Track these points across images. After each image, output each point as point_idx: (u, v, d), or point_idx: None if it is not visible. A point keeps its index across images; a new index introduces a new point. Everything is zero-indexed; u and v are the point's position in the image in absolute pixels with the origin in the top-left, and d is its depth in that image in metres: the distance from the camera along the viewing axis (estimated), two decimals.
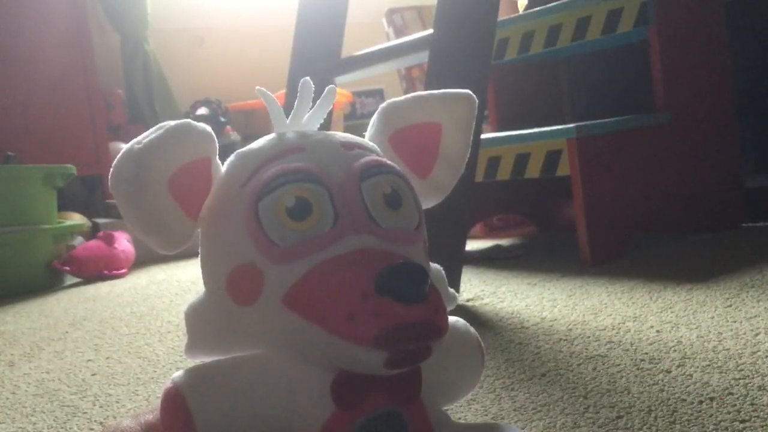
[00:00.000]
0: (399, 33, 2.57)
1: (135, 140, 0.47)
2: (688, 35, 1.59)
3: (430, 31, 1.22)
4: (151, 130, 0.48)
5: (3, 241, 1.88)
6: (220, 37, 3.18)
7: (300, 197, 0.47)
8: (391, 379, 0.46)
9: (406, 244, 0.49)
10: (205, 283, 0.51)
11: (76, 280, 2.00)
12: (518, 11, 2.05)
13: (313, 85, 0.55)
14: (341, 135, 0.53)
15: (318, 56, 1.53)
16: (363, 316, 0.43)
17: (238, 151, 0.52)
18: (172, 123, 0.48)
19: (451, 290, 0.57)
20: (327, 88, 0.55)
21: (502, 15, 1.68)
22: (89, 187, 2.54)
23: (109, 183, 0.47)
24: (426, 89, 0.76)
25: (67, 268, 1.96)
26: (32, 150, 2.31)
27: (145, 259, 2.20)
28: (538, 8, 1.74)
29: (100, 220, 2.32)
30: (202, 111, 2.84)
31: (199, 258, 0.52)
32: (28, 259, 1.93)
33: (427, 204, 0.58)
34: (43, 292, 1.89)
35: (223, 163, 0.52)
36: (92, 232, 2.24)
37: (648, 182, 1.53)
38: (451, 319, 0.56)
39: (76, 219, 2.23)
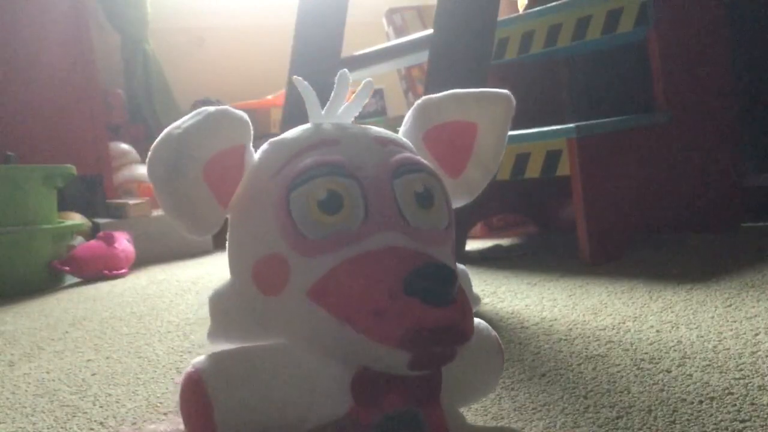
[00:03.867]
0: (399, 33, 2.57)
1: (174, 125, 0.48)
2: (688, 35, 1.59)
3: (430, 31, 1.22)
4: (190, 114, 0.48)
5: (3, 241, 1.88)
6: (220, 37, 3.18)
7: (332, 190, 0.46)
8: (410, 379, 0.46)
9: (435, 244, 0.49)
10: (231, 271, 0.51)
11: (76, 280, 2.00)
12: (518, 11, 2.05)
13: (350, 78, 0.54)
14: (376, 129, 0.53)
15: (318, 56, 1.53)
16: (389, 316, 0.42)
17: (272, 139, 0.52)
18: (212, 109, 0.48)
19: (475, 292, 0.57)
20: (364, 82, 0.55)
21: (502, 15, 1.68)
22: (89, 187, 2.54)
23: (147, 166, 0.47)
24: (426, 89, 0.76)
25: (67, 268, 1.96)
26: (32, 150, 2.31)
27: (145, 259, 2.20)
28: (538, 8, 1.74)
29: (100, 220, 2.32)
30: None
31: (226, 245, 0.52)
32: (28, 259, 1.93)
33: (456, 203, 0.57)
34: (43, 292, 1.89)
35: (256, 150, 0.52)
36: (92, 232, 2.24)
37: (648, 182, 1.53)
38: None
39: (76, 219, 2.23)
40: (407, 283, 0.43)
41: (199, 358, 0.47)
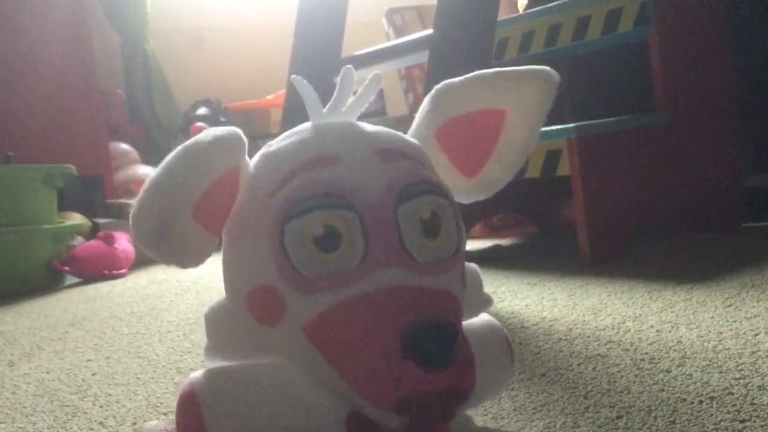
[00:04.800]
0: (399, 33, 2.57)
1: (155, 173, 0.44)
2: (688, 35, 1.59)
3: (430, 31, 1.22)
4: (171, 155, 0.45)
5: (3, 241, 1.88)
6: (220, 37, 3.18)
7: (329, 226, 0.43)
8: None
9: (441, 275, 0.45)
10: (226, 290, 0.49)
11: (76, 280, 2.00)
12: (518, 11, 2.05)
13: (354, 73, 0.50)
14: (380, 136, 0.48)
15: (318, 56, 1.53)
16: (385, 380, 0.40)
17: (267, 151, 0.49)
18: (201, 142, 0.45)
19: (486, 293, 0.54)
20: (371, 76, 0.50)
21: (502, 15, 1.68)
22: (89, 187, 2.54)
23: (131, 222, 0.44)
24: (426, 89, 0.74)
25: (67, 268, 1.96)
26: (32, 150, 2.30)
27: (145, 259, 2.20)
28: (538, 8, 1.74)
29: (100, 220, 2.31)
30: (202, 111, 2.84)
31: (221, 262, 0.50)
32: (28, 259, 1.93)
33: (468, 200, 0.53)
34: (43, 292, 1.89)
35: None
36: (92, 232, 2.24)
37: (648, 182, 1.53)
38: (481, 318, 0.54)
39: (76, 219, 2.23)
40: (404, 344, 0.40)
41: (196, 374, 0.46)
